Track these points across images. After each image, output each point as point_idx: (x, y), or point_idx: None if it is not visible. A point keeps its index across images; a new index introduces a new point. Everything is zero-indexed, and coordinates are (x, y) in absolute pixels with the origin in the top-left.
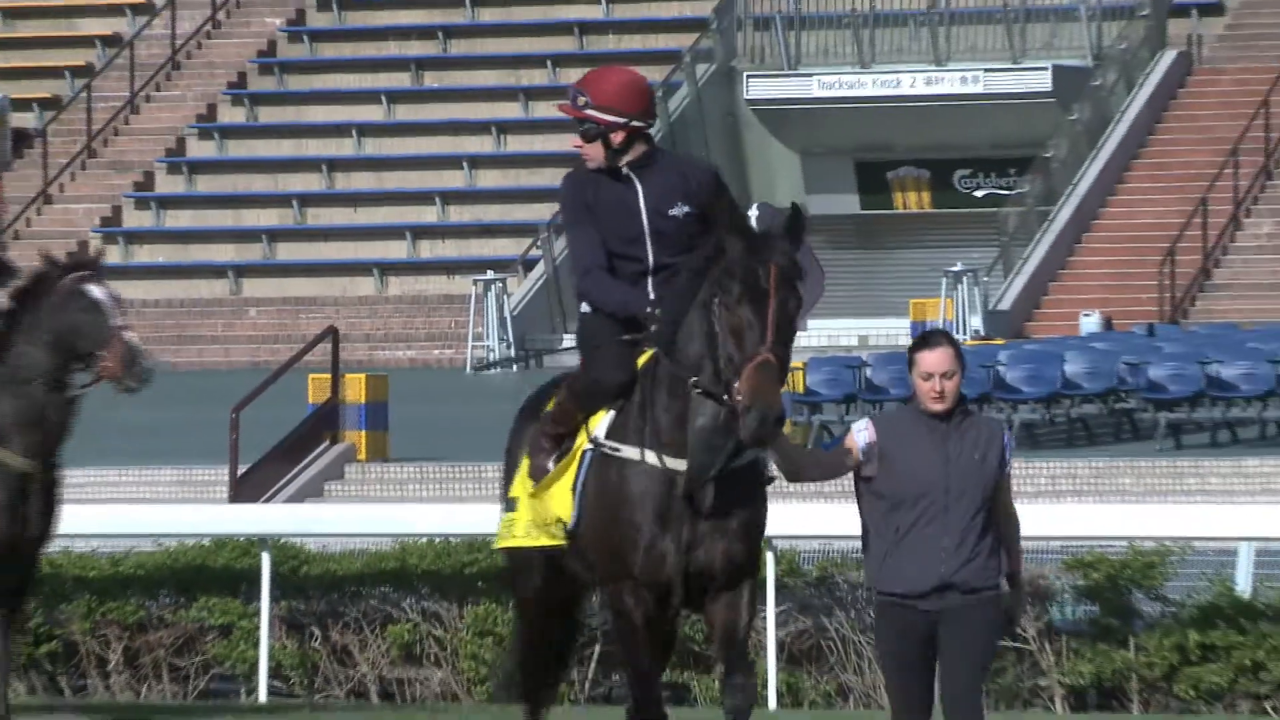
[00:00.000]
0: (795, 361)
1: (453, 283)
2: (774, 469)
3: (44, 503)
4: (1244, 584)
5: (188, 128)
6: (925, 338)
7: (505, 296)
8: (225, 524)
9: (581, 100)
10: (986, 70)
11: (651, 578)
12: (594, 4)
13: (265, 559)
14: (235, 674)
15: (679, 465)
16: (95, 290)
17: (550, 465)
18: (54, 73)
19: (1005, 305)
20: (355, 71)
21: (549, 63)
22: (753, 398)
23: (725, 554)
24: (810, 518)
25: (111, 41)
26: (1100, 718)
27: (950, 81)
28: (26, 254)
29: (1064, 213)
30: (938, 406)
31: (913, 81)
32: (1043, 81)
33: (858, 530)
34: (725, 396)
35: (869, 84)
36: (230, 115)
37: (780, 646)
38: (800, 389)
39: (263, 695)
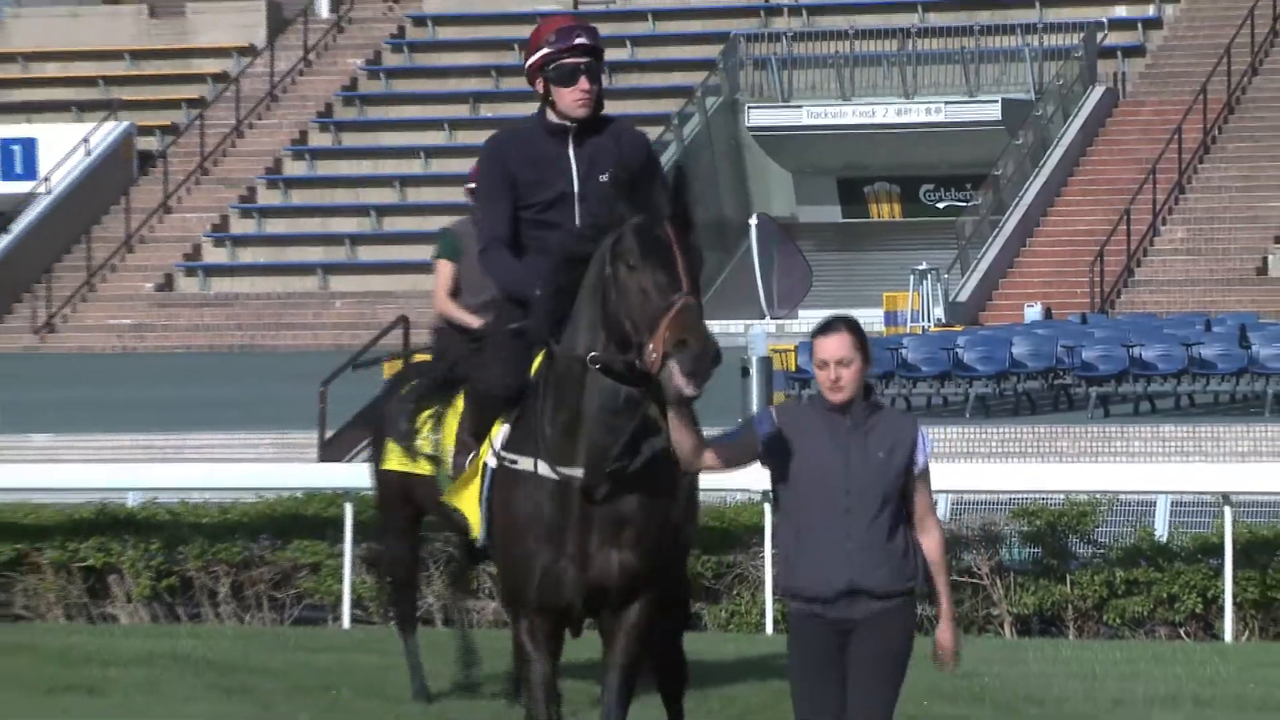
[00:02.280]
0: (788, 344)
1: None
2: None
3: None
4: (1161, 530)
5: (284, 150)
6: (825, 324)
7: None
8: (314, 480)
9: (597, 33)
10: (947, 103)
11: (549, 602)
12: (621, 46)
13: (348, 509)
14: (323, 604)
15: (573, 473)
16: None
17: (465, 465)
18: (173, 104)
19: (963, 297)
20: (422, 103)
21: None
22: (680, 338)
23: (620, 566)
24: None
25: (221, 78)
26: (1041, 642)
27: (917, 112)
28: (152, 255)
29: (1011, 221)
30: (835, 396)
31: (886, 112)
32: (993, 112)
33: None
34: (637, 362)
35: (849, 114)
36: (319, 139)
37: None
38: (792, 368)
39: (346, 622)
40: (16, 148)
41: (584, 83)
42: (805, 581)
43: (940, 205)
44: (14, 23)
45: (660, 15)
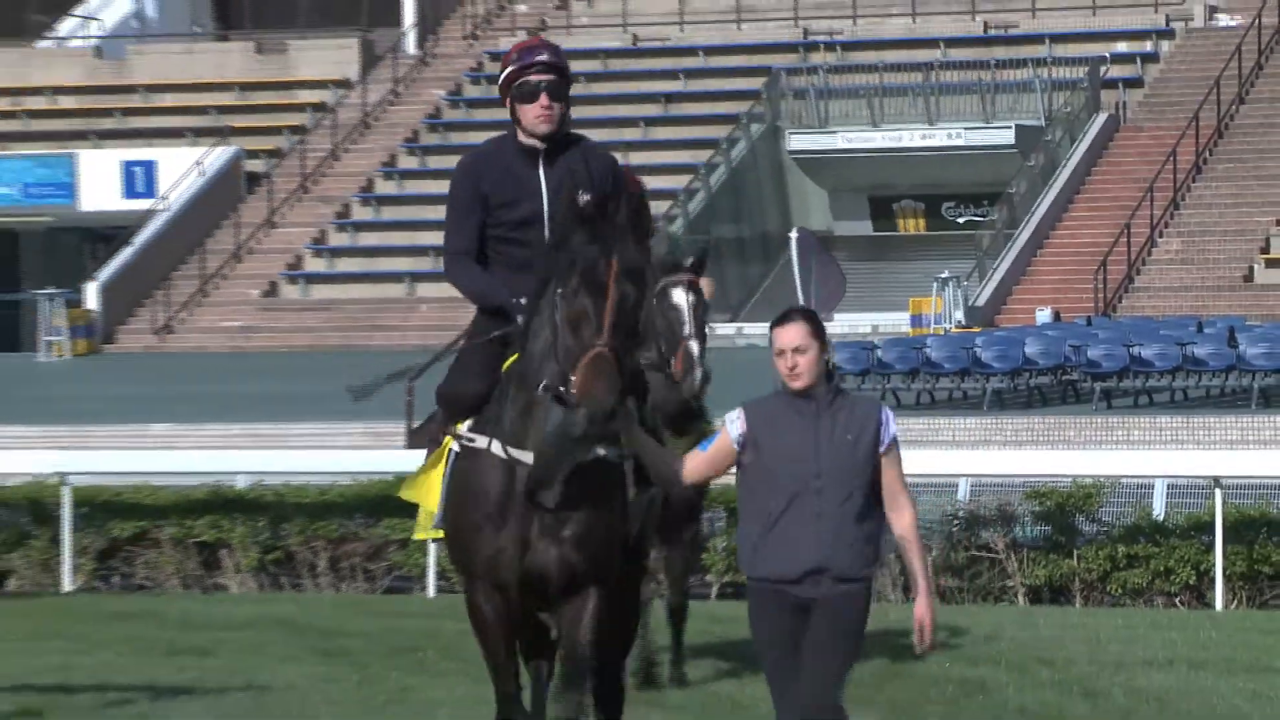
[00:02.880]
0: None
1: None
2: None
3: None
4: (1159, 510)
5: (375, 171)
6: (781, 315)
7: None
8: (402, 464)
9: (560, 54)
10: (966, 128)
11: (493, 577)
12: (674, 79)
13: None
14: (411, 575)
15: (523, 456)
16: None
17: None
18: (277, 131)
19: (980, 302)
20: (497, 129)
21: (642, 123)
22: (583, 393)
23: (561, 559)
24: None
25: (319, 108)
26: (1051, 610)
27: (939, 137)
28: (258, 265)
29: (1024, 234)
30: (794, 383)
31: (911, 137)
32: (1007, 137)
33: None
34: (562, 392)
35: (879, 139)
36: (406, 162)
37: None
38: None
39: (431, 591)
40: (139, 169)
41: (544, 99)
42: (773, 564)
43: (960, 220)
44: (137, 58)
45: (710, 51)
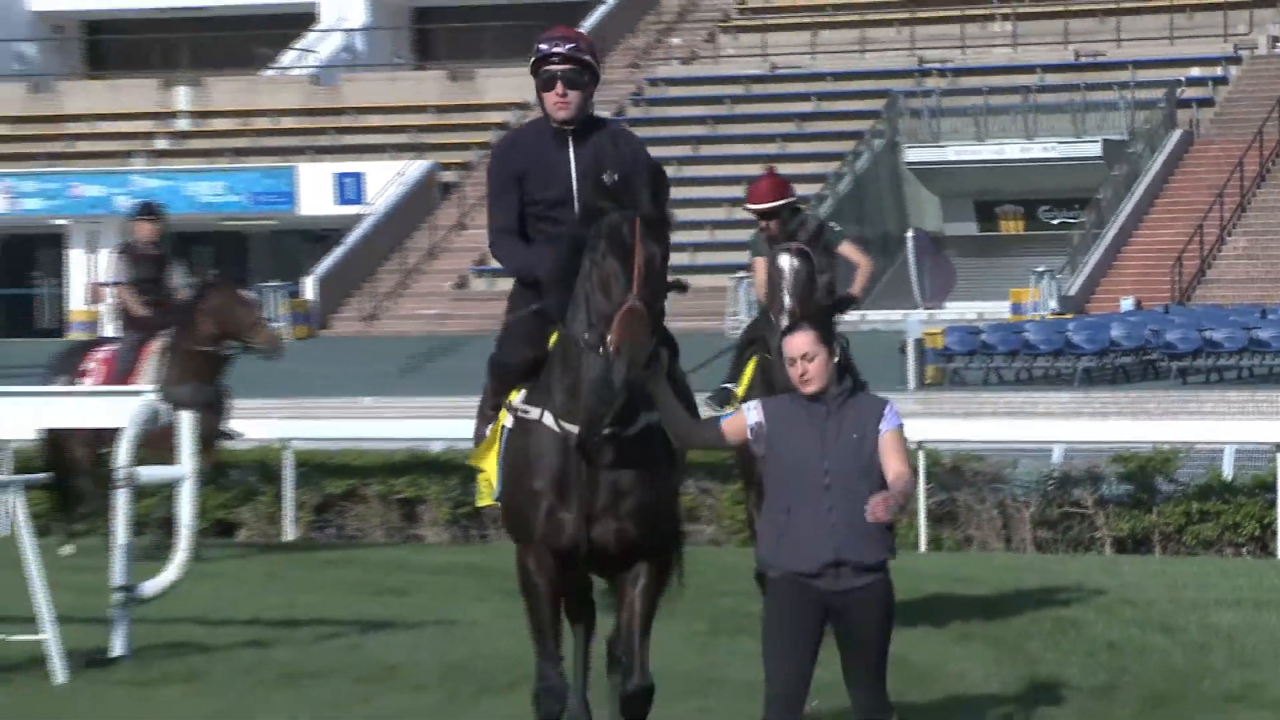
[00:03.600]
0: (936, 329)
1: (715, 279)
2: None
3: None
4: (1228, 471)
5: None
6: (791, 325)
7: (750, 287)
8: None
9: (581, 46)
10: (1059, 142)
11: (551, 544)
12: (806, 101)
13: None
14: None
15: (574, 429)
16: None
17: (487, 432)
18: (467, 147)
19: (1072, 292)
20: (656, 144)
21: (779, 139)
22: (620, 342)
23: (619, 532)
24: (948, 429)
25: (503, 127)
26: (1134, 559)
27: (1036, 150)
28: (451, 261)
29: (1109, 233)
30: (806, 388)
31: (1012, 150)
32: (1095, 150)
33: (979, 437)
34: (601, 349)
35: (984, 151)
36: None
37: (928, 512)
38: (939, 345)
39: None
40: (349, 180)
41: (559, 88)
42: (791, 557)
43: (1054, 222)
44: (347, 85)
45: (838, 77)
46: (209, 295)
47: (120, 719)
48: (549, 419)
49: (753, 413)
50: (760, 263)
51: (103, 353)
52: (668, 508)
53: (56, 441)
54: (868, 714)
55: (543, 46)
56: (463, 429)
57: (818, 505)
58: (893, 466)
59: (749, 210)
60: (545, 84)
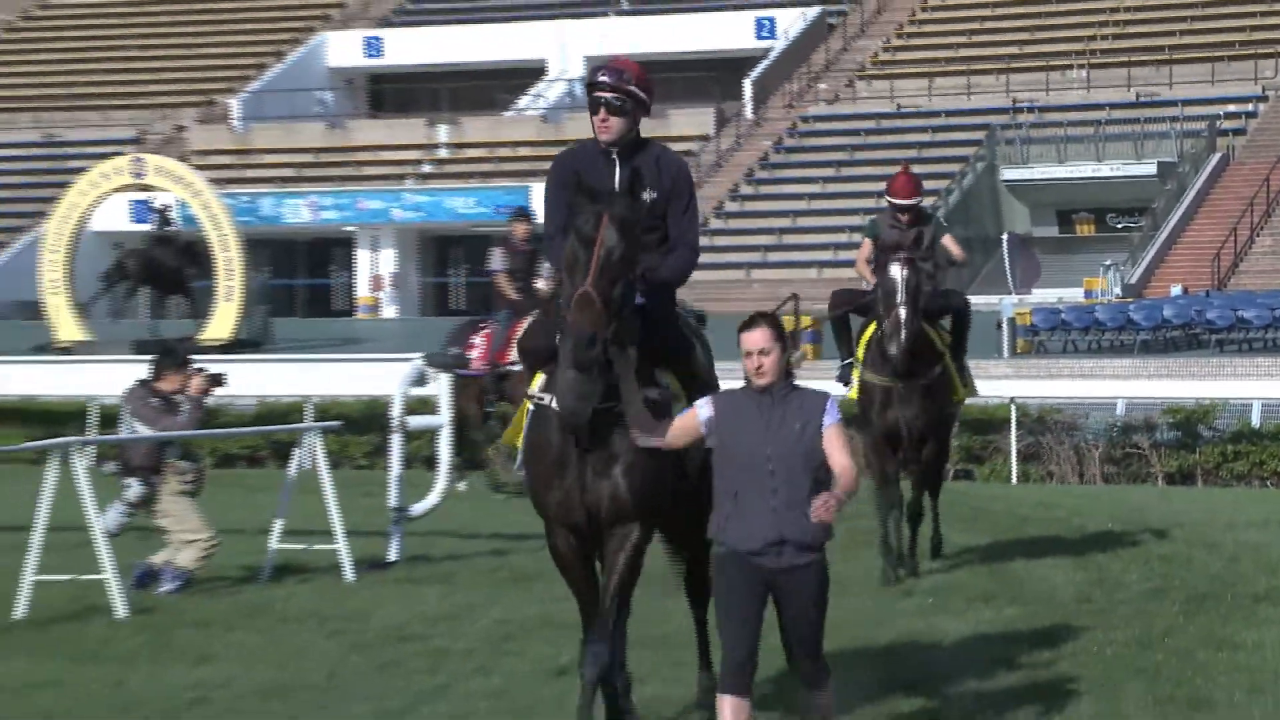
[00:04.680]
0: (1026, 310)
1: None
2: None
3: None
4: (1256, 421)
5: (726, 196)
6: (748, 320)
7: None
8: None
9: (626, 76)
10: (1123, 164)
11: (562, 519)
12: (924, 133)
13: None
14: None
15: None
16: None
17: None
18: None
19: (1133, 281)
20: (806, 168)
21: (904, 164)
22: (570, 325)
23: (611, 496)
24: (1034, 388)
25: (688, 153)
26: (1181, 490)
27: (1104, 170)
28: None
29: (1162, 235)
30: (759, 381)
31: (1085, 169)
32: (1152, 170)
33: (1059, 394)
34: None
35: (1063, 171)
36: (746, 189)
37: (1018, 453)
38: (1028, 322)
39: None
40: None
41: (602, 114)
42: (738, 536)
43: (1119, 226)
44: (570, 123)
45: (949, 113)
46: None
47: (393, 609)
48: (554, 403)
49: (704, 409)
50: (868, 244)
51: (485, 329)
52: (661, 476)
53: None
54: (808, 679)
55: (590, 74)
56: None
57: (762, 489)
58: (837, 461)
59: (890, 202)
60: (592, 108)
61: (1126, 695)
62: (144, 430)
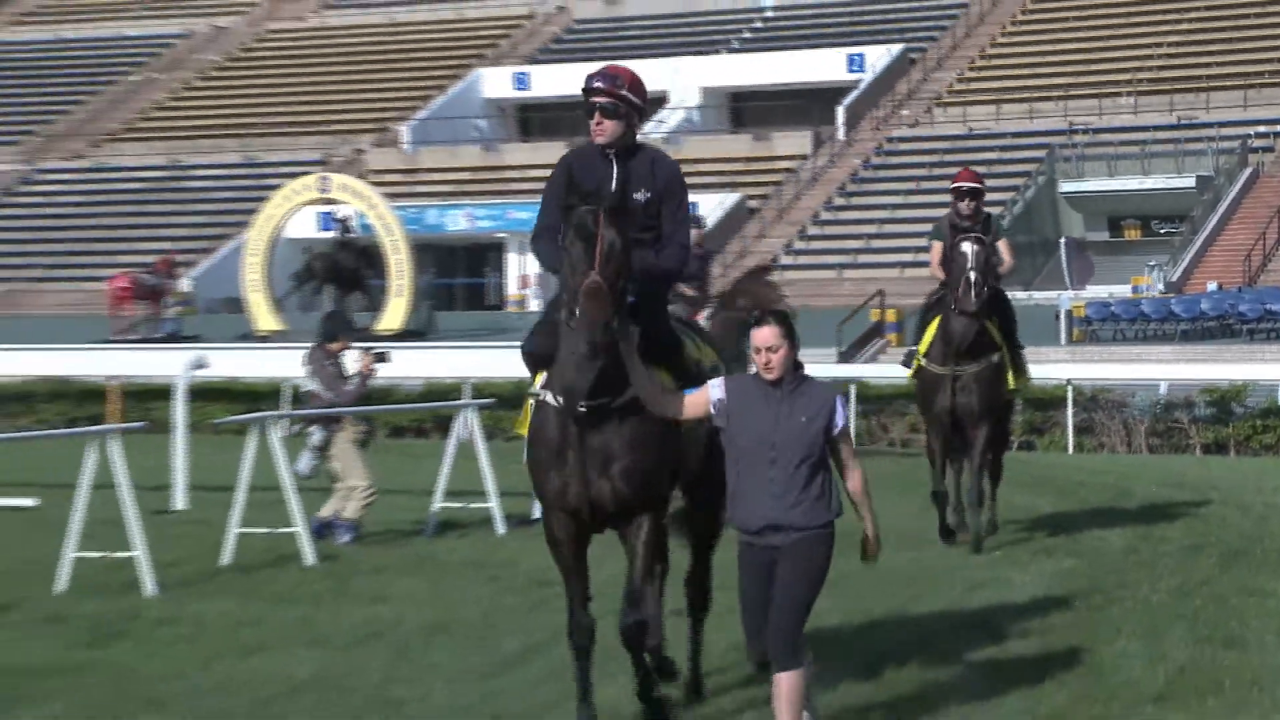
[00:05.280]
0: (1081, 303)
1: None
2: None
3: None
4: None
5: (822, 207)
6: (757, 318)
7: None
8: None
9: (619, 82)
10: (1166, 177)
11: (559, 506)
12: (993, 151)
13: (851, 390)
14: None
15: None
16: None
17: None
18: (767, 184)
19: (1174, 279)
20: (891, 181)
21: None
22: (582, 314)
23: (614, 492)
24: (1088, 371)
25: (789, 170)
26: (1216, 458)
27: (1150, 182)
28: (752, 261)
29: (1199, 238)
30: (767, 375)
31: (1132, 183)
32: (1191, 182)
33: (1109, 376)
34: (571, 322)
35: (1114, 184)
36: (839, 201)
37: (1074, 427)
38: (1082, 314)
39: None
40: (690, 205)
41: (598, 118)
42: (740, 517)
43: (1162, 231)
44: (688, 143)
45: (1015, 135)
46: (747, 280)
47: (538, 558)
48: (550, 397)
49: (716, 390)
50: (938, 246)
51: None
52: (661, 468)
53: None
54: (773, 653)
55: (591, 81)
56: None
57: (762, 475)
58: (853, 477)
59: (954, 189)
60: (588, 113)
61: (1169, 636)
62: (320, 387)
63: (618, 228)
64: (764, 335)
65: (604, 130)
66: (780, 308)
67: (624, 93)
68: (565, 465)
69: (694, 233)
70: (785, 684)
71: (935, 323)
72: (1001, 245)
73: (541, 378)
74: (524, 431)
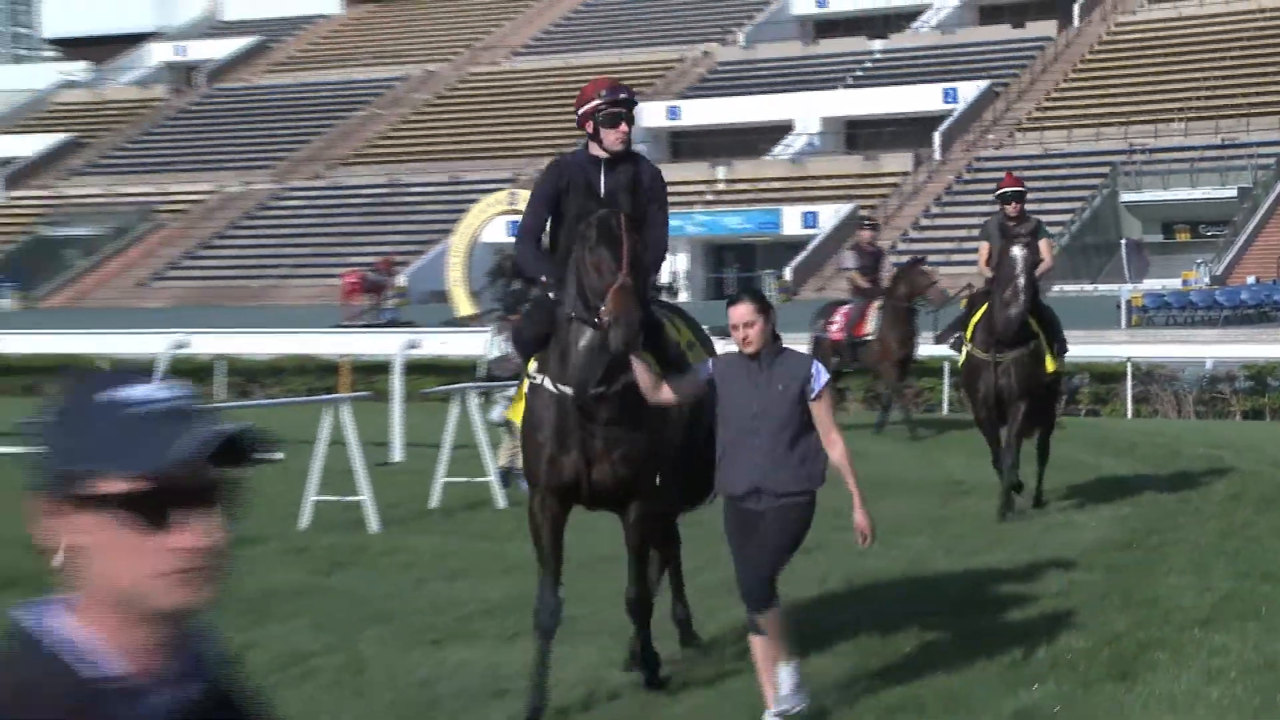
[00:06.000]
0: (1138, 294)
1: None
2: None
3: None
4: None
5: (921, 215)
6: (733, 296)
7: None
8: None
9: (623, 92)
10: (1212, 189)
11: (552, 484)
12: (1063, 170)
13: (946, 372)
14: None
15: (566, 390)
16: None
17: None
18: (875, 197)
19: (1219, 273)
20: (976, 193)
21: (1049, 190)
22: (616, 314)
23: (614, 474)
24: (1145, 350)
25: (895, 186)
26: (1254, 423)
27: (1198, 193)
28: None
29: (1240, 239)
30: (746, 349)
31: (1182, 194)
32: (1233, 193)
33: (1163, 355)
34: (596, 320)
35: (1168, 195)
36: (935, 210)
37: (1133, 396)
38: (1140, 303)
39: None
40: (810, 215)
41: (623, 126)
42: (726, 480)
43: (1208, 233)
44: (811, 163)
45: (1084, 154)
46: (905, 272)
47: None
48: (548, 383)
49: (705, 369)
50: (985, 246)
51: (843, 310)
52: (657, 451)
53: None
54: (747, 595)
55: (604, 93)
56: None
57: (748, 442)
58: (835, 445)
59: (999, 193)
60: (608, 122)
61: (1214, 570)
62: (510, 347)
63: (637, 234)
64: (740, 312)
65: (625, 136)
66: (929, 293)
67: (634, 100)
68: (565, 445)
69: (866, 233)
70: (764, 621)
71: (981, 311)
72: (1043, 245)
73: (534, 363)
74: (517, 417)
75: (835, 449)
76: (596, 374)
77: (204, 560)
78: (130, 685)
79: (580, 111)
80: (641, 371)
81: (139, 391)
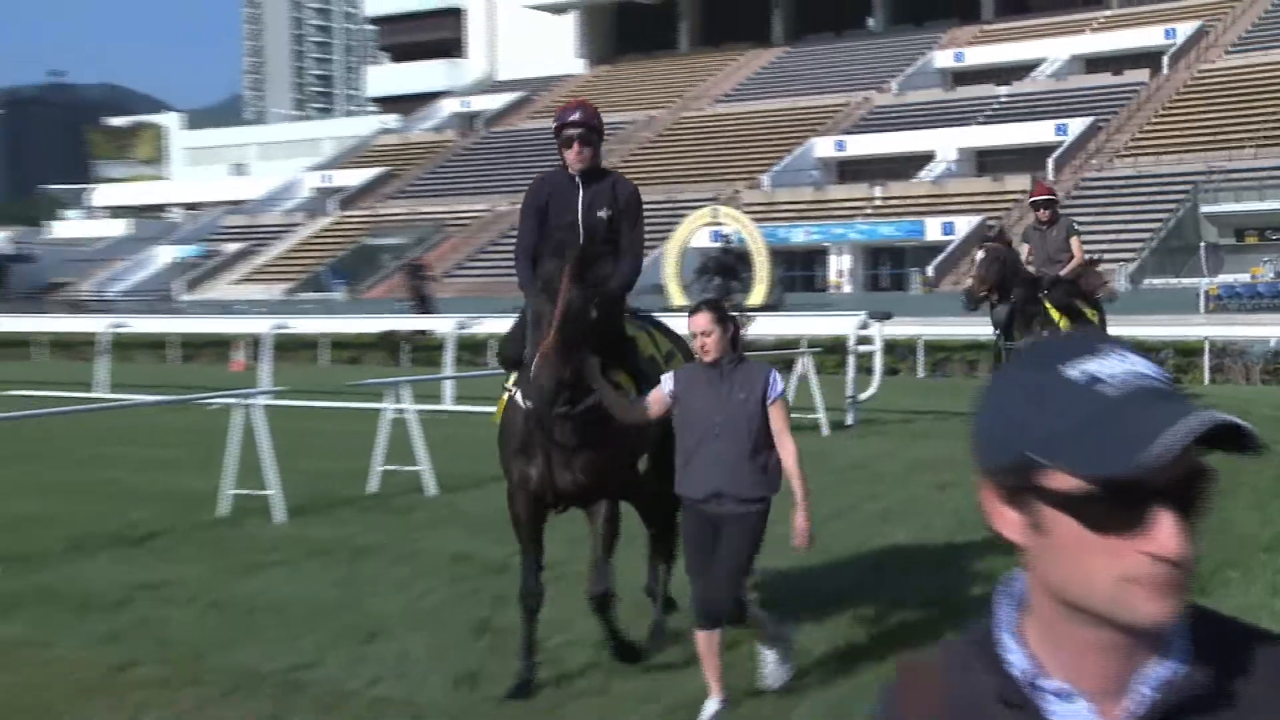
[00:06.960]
0: (1214, 286)
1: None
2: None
3: None
4: None
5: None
6: (694, 306)
7: None
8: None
9: (588, 115)
10: (1275, 201)
11: (522, 489)
12: (1153, 187)
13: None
14: None
15: (530, 405)
16: None
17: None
18: (995, 212)
19: None
20: (1086, 207)
21: (1140, 204)
22: (535, 373)
23: (573, 481)
24: (1221, 330)
25: (1016, 203)
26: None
27: (1264, 206)
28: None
29: None
30: (705, 358)
31: (1251, 207)
32: None
33: (1234, 334)
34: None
35: (1239, 208)
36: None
37: (1210, 369)
38: (1215, 293)
39: None
40: (947, 224)
41: (576, 148)
42: (688, 487)
43: (1274, 238)
44: (950, 184)
45: (1170, 174)
46: (1083, 271)
47: (854, 452)
48: (519, 397)
49: (668, 383)
50: (1026, 246)
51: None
52: (617, 461)
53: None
54: (714, 605)
55: (566, 116)
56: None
57: (709, 448)
58: (786, 450)
59: (1031, 201)
60: (565, 144)
61: (1274, 505)
62: None
63: (584, 279)
64: (698, 322)
65: (583, 157)
66: (1095, 291)
67: (594, 123)
68: (530, 456)
69: (1074, 241)
70: (706, 641)
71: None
72: (1074, 243)
73: (514, 376)
74: (497, 421)
75: (786, 452)
76: (545, 406)
77: (1174, 570)
78: (1065, 694)
79: (554, 131)
80: (608, 395)
81: (1113, 365)
